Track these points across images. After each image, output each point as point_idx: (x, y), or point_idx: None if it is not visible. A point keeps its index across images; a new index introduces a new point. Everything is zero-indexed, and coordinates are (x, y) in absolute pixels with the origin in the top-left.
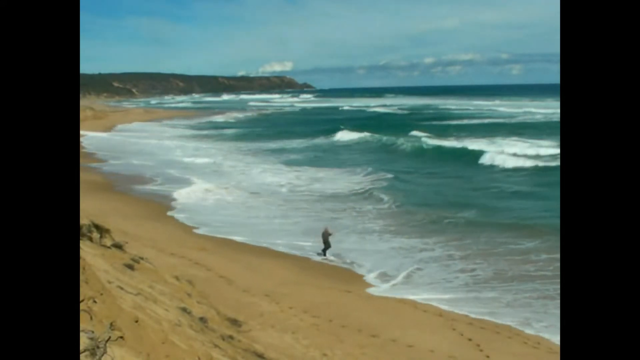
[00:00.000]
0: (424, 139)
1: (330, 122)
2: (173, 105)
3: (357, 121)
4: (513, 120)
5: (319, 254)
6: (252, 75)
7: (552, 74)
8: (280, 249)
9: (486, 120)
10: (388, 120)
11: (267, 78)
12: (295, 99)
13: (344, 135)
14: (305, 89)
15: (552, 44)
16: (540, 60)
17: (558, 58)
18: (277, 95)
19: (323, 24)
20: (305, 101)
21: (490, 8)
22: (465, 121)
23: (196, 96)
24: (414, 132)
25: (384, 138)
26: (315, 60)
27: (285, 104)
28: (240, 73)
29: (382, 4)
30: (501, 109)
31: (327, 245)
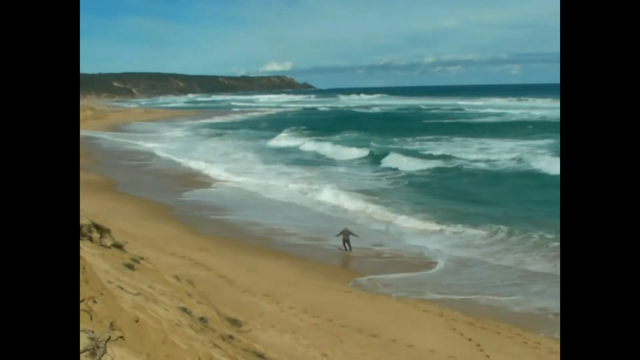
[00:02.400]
0: (354, 140)
1: (292, 123)
2: (165, 105)
3: (320, 122)
4: (474, 121)
5: (340, 249)
6: (252, 75)
7: (552, 74)
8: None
9: (449, 121)
10: (354, 121)
11: (267, 78)
12: (283, 100)
13: (281, 140)
14: (302, 89)
15: (552, 44)
16: (540, 60)
17: (557, 58)
18: (263, 96)
19: (323, 24)
20: (291, 102)
21: (490, 8)
22: (428, 121)
23: (191, 96)
24: (352, 134)
25: (317, 144)
26: (316, 60)
27: (272, 105)
28: (241, 73)
29: (382, 3)
30: (470, 110)
31: (347, 243)
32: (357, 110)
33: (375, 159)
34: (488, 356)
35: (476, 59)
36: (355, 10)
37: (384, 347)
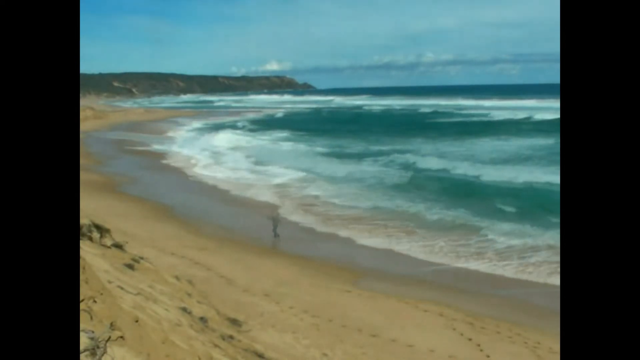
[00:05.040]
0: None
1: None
2: (163, 105)
3: (281, 121)
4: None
5: (274, 236)
6: (252, 75)
7: (551, 73)
8: None
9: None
10: (316, 120)
11: (267, 78)
12: (277, 100)
13: (222, 137)
14: (302, 89)
15: (551, 44)
16: (539, 60)
17: (556, 57)
18: (260, 96)
19: (323, 24)
20: (287, 102)
21: (489, 7)
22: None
23: (187, 97)
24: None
25: (247, 138)
26: (316, 60)
27: (257, 105)
28: (241, 73)
29: (382, 3)
30: (454, 110)
31: (275, 225)
32: (337, 111)
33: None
34: (488, 356)
35: (476, 59)
36: (355, 10)
37: (384, 347)
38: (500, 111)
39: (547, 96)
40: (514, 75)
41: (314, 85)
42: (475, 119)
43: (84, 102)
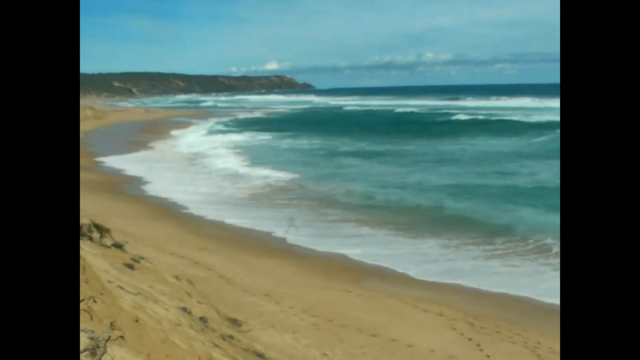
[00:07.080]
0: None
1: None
2: (159, 104)
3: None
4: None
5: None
6: (252, 75)
7: (549, 73)
8: None
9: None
10: (292, 120)
11: (267, 78)
12: (262, 99)
13: (195, 134)
14: (302, 89)
15: (550, 43)
16: (539, 60)
17: (554, 57)
18: (257, 96)
19: (323, 24)
20: (282, 102)
21: (489, 7)
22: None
23: (180, 97)
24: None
25: (212, 136)
26: (316, 60)
27: (247, 105)
28: (241, 73)
29: (382, 3)
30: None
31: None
32: (323, 111)
33: None
34: (488, 356)
35: (477, 59)
36: (355, 10)
37: (384, 346)
38: (469, 112)
39: (542, 95)
40: (513, 75)
41: (314, 85)
42: (438, 119)
43: (84, 102)
